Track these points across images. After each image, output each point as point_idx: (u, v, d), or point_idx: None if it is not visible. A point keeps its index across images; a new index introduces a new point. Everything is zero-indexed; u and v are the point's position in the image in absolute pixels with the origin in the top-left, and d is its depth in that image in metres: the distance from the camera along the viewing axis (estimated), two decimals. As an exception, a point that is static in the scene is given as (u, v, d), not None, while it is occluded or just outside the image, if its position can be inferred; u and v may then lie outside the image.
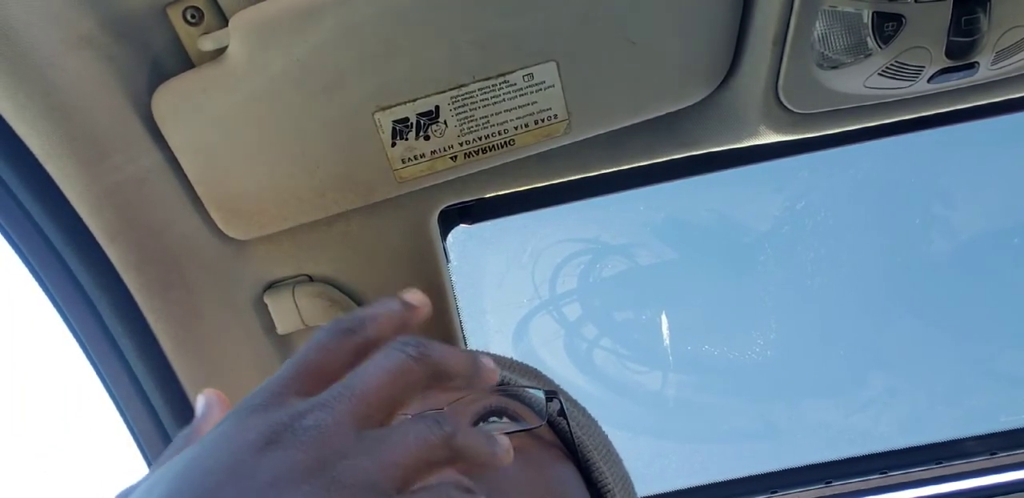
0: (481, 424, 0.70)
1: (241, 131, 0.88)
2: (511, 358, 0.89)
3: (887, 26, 0.84)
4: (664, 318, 2.44)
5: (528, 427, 0.70)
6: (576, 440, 0.72)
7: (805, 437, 2.58)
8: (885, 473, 1.48)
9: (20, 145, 0.83)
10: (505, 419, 0.71)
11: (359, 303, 1.09)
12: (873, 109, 0.97)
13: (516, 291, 2.36)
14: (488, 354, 0.87)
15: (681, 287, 2.50)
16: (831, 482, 1.48)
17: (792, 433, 2.57)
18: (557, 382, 0.91)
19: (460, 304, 1.17)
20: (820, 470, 1.51)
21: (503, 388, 0.75)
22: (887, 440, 2.07)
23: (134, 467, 1.08)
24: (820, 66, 0.90)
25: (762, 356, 2.47)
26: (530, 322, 2.37)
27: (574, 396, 0.89)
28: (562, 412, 0.72)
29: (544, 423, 0.71)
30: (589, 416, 0.84)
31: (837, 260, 2.41)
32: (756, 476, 1.52)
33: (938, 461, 1.47)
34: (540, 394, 0.74)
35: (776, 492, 1.48)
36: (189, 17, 0.83)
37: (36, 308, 0.97)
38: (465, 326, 1.18)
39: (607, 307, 2.49)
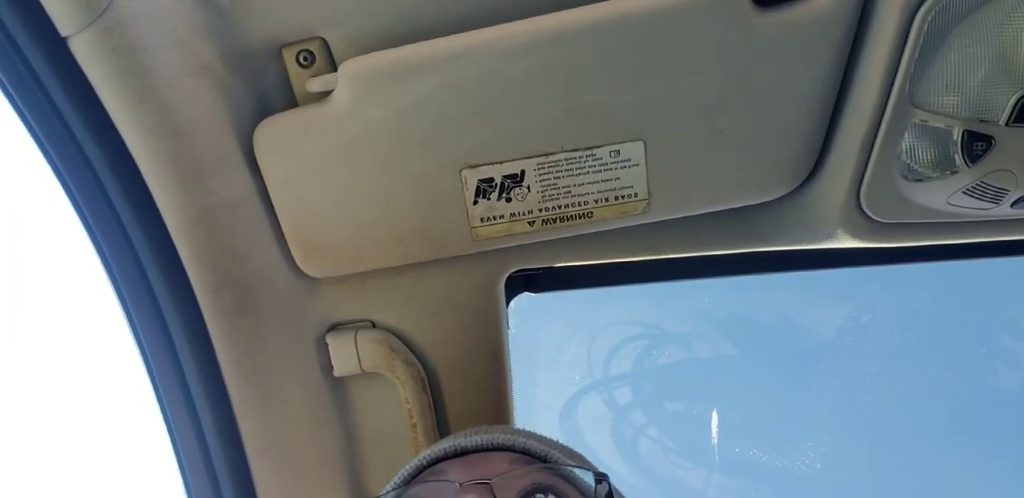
0: None
1: (332, 172, 0.92)
2: (557, 441, 0.90)
3: (976, 145, 0.85)
4: (715, 415, 2.40)
5: None
6: None
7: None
8: None
9: (129, 160, 0.88)
10: (551, 496, 0.72)
11: (417, 355, 1.11)
12: (953, 227, 0.98)
13: (569, 368, 2.35)
14: (535, 434, 0.88)
15: (736, 385, 2.46)
16: None
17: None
18: (598, 467, 0.91)
19: (513, 373, 1.17)
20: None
21: (552, 466, 0.76)
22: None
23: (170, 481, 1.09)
24: (905, 177, 0.90)
25: (811, 468, 2.41)
26: (579, 401, 2.35)
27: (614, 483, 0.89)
28: (610, 496, 0.72)
29: None
30: None
31: (898, 379, 2.35)
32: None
33: None
34: (588, 476, 0.74)
35: None
36: (302, 59, 0.88)
37: (111, 318, 1.00)
38: (515, 396, 1.18)
39: (659, 396, 2.46)
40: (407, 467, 0.82)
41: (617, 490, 0.80)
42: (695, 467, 2.45)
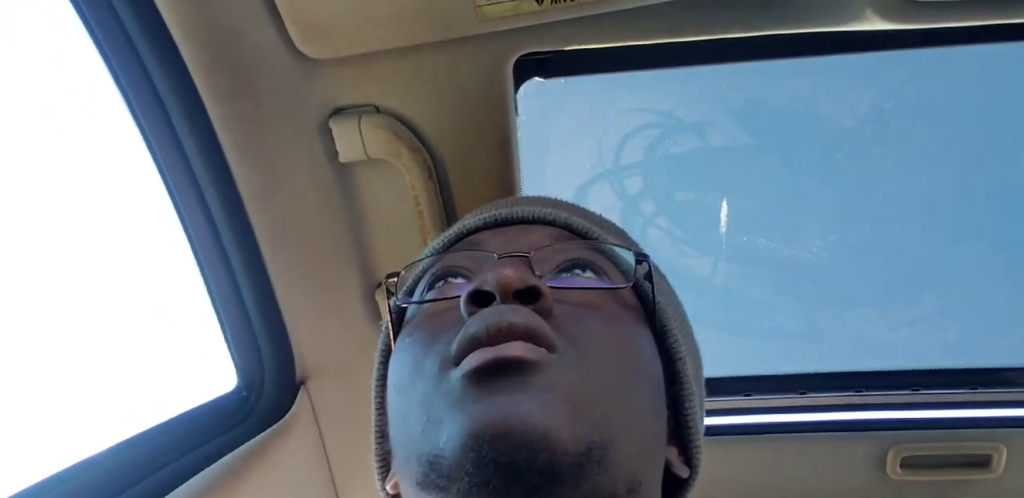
0: (564, 275, 0.70)
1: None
2: (601, 215, 0.88)
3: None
4: (725, 204, 2.40)
5: (614, 286, 0.71)
6: (657, 306, 0.72)
7: (845, 344, 2.56)
8: (917, 390, 1.46)
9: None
10: (589, 273, 0.71)
11: (423, 141, 1.09)
12: (991, 6, 0.92)
13: (579, 156, 2.32)
14: (577, 207, 0.86)
15: (749, 175, 2.44)
16: (862, 391, 1.47)
17: (832, 338, 2.56)
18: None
19: (521, 161, 1.15)
20: (854, 378, 1.50)
21: (593, 243, 0.75)
22: (927, 359, 2.06)
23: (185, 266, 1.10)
24: (944, -52, 0.84)
25: (818, 257, 2.44)
26: (588, 190, 2.35)
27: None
28: (648, 276, 0.72)
29: (630, 285, 0.71)
30: (669, 284, 0.84)
31: (916, 170, 2.32)
32: (789, 375, 1.52)
33: (974, 387, 1.45)
34: (628, 255, 0.74)
35: (806, 394, 1.48)
36: None
37: (107, 102, 0.98)
38: (523, 185, 1.17)
39: (669, 185, 2.45)
40: (445, 235, 0.80)
41: (658, 269, 0.80)
42: (702, 256, 2.48)
